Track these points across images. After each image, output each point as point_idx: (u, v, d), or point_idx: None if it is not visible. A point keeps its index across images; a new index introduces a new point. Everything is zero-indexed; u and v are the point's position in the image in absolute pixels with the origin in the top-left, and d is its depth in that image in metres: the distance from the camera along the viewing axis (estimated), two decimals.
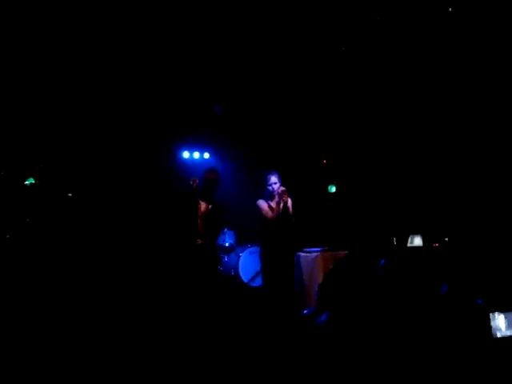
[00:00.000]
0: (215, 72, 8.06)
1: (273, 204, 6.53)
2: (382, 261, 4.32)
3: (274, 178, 6.47)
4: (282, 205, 6.41)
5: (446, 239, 8.02)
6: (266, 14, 6.63)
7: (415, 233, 7.82)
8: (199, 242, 6.42)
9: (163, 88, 8.41)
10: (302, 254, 7.13)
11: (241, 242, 8.88)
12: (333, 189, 10.15)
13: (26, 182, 8.19)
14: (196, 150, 9.67)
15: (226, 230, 8.76)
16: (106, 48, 7.28)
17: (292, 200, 6.62)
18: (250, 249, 8.63)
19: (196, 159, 9.65)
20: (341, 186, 10.11)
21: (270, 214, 6.49)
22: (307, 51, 7.70)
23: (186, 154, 9.58)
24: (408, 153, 9.09)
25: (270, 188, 6.47)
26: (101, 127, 8.59)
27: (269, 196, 6.57)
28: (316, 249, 7.03)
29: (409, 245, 7.75)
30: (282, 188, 6.41)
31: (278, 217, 6.46)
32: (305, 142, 9.85)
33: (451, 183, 8.64)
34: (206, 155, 9.78)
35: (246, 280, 8.51)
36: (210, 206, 6.55)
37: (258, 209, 6.58)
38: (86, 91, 8.10)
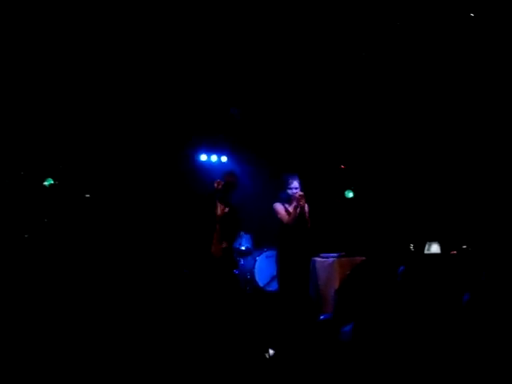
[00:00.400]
0: (233, 75, 8.06)
1: (290, 208, 6.51)
2: (402, 267, 4.28)
3: (295, 183, 6.43)
4: (299, 209, 6.39)
5: (464, 247, 7.95)
6: (287, 19, 6.61)
7: (432, 239, 7.77)
8: (224, 245, 6.44)
9: (181, 91, 8.43)
10: (318, 259, 7.10)
11: (257, 246, 8.86)
12: (350, 194, 10.11)
13: (45, 183, 8.25)
14: (213, 153, 9.67)
15: (242, 233, 8.75)
16: (127, 53, 7.31)
17: (309, 205, 6.60)
18: (267, 253, 8.61)
19: (213, 162, 9.65)
20: (358, 191, 10.06)
21: (286, 217, 6.46)
22: (327, 56, 7.68)
23: (203, 157, 9.58)
24: (426, 159, 9.03)
25: (289, 191, 6.44)
26: (120, 130, 8.64)
27: (286, 199, 6.54)
28: (333, 254, 7.00)
29: (426, 252, 7.70)
30: (301, 192, 6.37)
31: (294, 221, 6.43)
32: (322, 147, 9.81)
33: (470, 191, 8.57)
34: (224, 158, 9.77)
35: (261, 284, 8.50)
36: (227, 209, 6.55)
37: (275, 212, 6.55)
38: (106, 94, 8.15)
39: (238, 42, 7.19)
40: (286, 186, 6.45)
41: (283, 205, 6.53)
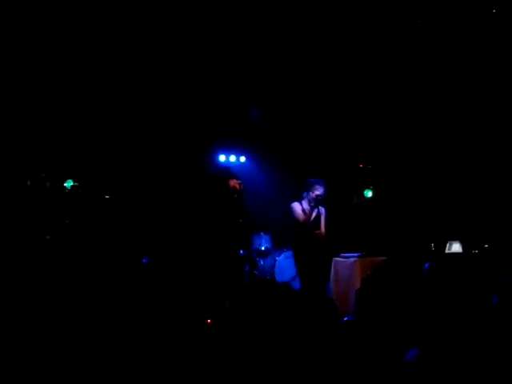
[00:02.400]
0: (253, 76, 8.06)
1: (307, 208, 6.56)
2: (427, 264, 4.22)
3: (322, 190, 6.52)
4: (316, 211, 6.47)
5: (486, 246, 7.87)
6: (307, 20, 6.60)
7: (454, 239, 7.70)
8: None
9: (200, 92, 8.45)
10: (339, 259, 7.07)
11: (277, 246, 8.84)
12: (369, 193, 10.05)
13: (66, 184, 8.32)
14: (232, 154, 9.67)
15: (262, 233, 8.75)
16: (149, 55, 7.36)
17: (326, 209, 6.64)
18: (286, 253, 8.56)
19: (232, 162, 9.65)
20: (378, 190, 10.00)
21: (302, 217, 6.53)
22: (345, 56, 7.65)
23: (222, 158, 9.59)
24: (448, 157, 8.96)
25: (312, 194, 6.49)
26: (139, 131, 8.68)
27: (306, 200, 6.60)
28: (354, 254, 6.97)
29: (447, 251, 7.63)
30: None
31: (310, 221, 6.50)
32: (342, 146, 9.78)
33: (492, 190, 8.49)
34: (242, 159, 9.77)
35: None
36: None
37: (291, 211, 6.63)
38: (126, 95, 8.20)
39: (259, 44, 7.19)
40: (311, 189, 6.53)
41: (301, 204, 6.60)
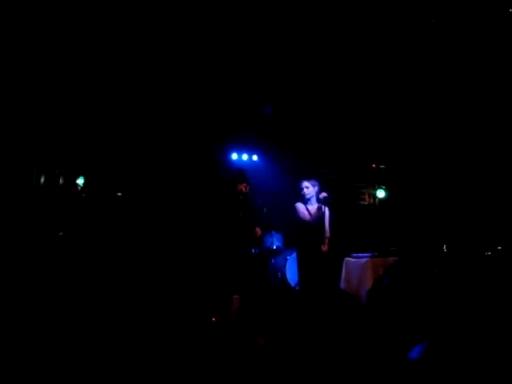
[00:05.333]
0: (268, 75, 8.06)
1: (311, 209, 6.60)
2: (436, 270, 4.22)
3: (305, 183, 6.64)
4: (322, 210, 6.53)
5: (499, 248, 7.81)
6: (320, 17, 6.59)
7: (466, 240, 7.67)
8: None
9: (214, 90, 8.47)
10: (351, 259, 7.08)
11: (288, 245, 8.83)
12: (381, 193, 10.01)
13: (78, 182, 8.36)
14: (245, 152, 9.68)
15: (273, 232, 8.75)
16: (163, 53, 7.38)
17: (331, 211, 6.69)
18: None
19: (245, 161, 9.66)
20: (391, 190, 9.97)
21: (307, 217, 6.57)
22: (358, 55, 7.62)
23: (234, 156, 9.61)
24: (460, 158, 8.91)
25: (302, 192, 6.62)
26: (153, 129, 8.72)
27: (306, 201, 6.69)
28: (365, 254, 6.96)
29: None
30: (324, 194, 6.52)
31: (313, 221, 6.52)
32: (355, 146, 9.76)
33: (505, 191, 8.42)
34: (255, 157, 9.78)
35: (292, 283, 8.47)
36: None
37: (295, 211, 6.67)
38: (140, 94, 8.24)
39: (270, 42, 7.19)
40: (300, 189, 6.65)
41: (305, 204, 6.64)
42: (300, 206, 6.65)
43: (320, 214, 6.49)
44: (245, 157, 9.69)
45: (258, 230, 6.66)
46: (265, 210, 8.09)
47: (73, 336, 4.99)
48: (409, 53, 7.32)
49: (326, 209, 6.62)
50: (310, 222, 6.52)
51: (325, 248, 6.48)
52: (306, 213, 6.57)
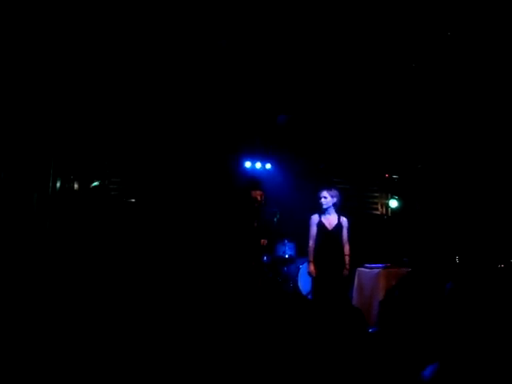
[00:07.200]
0: (281, 84, 8.10)
1: (326, 220, 6.53)
2: (449, 284, 4.22)
3: (324, 193, 6.57)
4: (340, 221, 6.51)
5: None
6: (336, 28, 6.62)
7: (479, 252, 7.63)
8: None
9: (228, 98, 8.53)
10: (363, 269, 7.09)
11: (301, 254, 8.85)
12: (394, 203, 10.00)
13: (94, 184, 8.45)
14: (258, 161, 9.73)
15: (286, 241, 8.77)
16: (176, 62, 7.44)
17: (349, 221, 6.63)
18: None
19: (258, 169, 9.70)
20: (404, 200, 9.97)
21: (312, 233, 6.54)
22: (373, 66, 7.65)
23: (247, 164, 9.66)
24: (473, 170, 8.89)
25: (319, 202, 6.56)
26: (167, 137, 8.80)
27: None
28: (378, 265, 6.97)
29: None
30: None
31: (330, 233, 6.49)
32: (368, 155, 9.78)
33: None
34: (268, 165, 9.83)
35: (304, 292, 8.49)
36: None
37: (309, 222, 6.63)
38: (154, 102, 8.32)
39: (287, 51, 7.23)
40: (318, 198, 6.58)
41: (319, 216, 6.56)
42: (314, 219, 6.58)
43: (338, 225, 6.45)
44: (258, 165, 9.73)
45: (264, 241, 6.68)
46: (275, 218, 8.12)
47: (83, 330, 5.06)
48: (425, 65, 7.33)
49: (345, 221, 6.55)
50: (324, 236, 6.45)
51: (346, 273, 6.37)
52: (315, 228, 6.51)
